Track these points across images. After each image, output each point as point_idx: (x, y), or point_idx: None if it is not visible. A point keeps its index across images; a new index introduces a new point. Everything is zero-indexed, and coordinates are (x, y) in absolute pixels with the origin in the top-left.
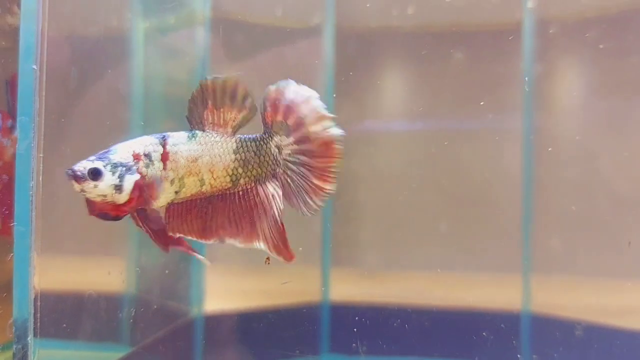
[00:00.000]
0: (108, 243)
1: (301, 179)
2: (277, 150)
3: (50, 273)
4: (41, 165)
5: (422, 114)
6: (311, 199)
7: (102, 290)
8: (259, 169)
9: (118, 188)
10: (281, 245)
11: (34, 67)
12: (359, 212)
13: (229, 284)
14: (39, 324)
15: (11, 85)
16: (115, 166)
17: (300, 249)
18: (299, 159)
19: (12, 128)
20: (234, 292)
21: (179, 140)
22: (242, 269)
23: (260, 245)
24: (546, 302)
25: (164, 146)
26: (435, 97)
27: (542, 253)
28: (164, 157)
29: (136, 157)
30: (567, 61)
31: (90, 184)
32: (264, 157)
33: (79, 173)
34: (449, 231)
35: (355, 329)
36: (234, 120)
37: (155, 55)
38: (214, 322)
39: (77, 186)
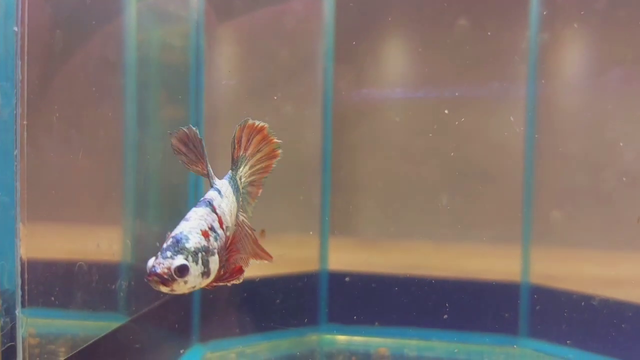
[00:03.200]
0: (102, 211)
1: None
2: (239, 182)
3: (39, 242)
4: (25, 133)
5: (424, 83)
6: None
7: (96, 260)
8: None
9: (206, 274)
10: (260, 252)
11: (15, 28)
12: (359, 182)
13: None
14: (26, 296)
15: None
16: (195, 254)
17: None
18: (251, 178)
19: None
20: None
21: (218, 201)
22: None
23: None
24: (545, 274)
25: (215, 212)
26: (437, 65)
27: (543, 225)
28: (220, 223)
29: (206, 235)
30: (574, 30)
31: (180, 283)
32: (238, 190)
33: (166, 277)
34: (449, 201)
35: (354, 299)
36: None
37: (148, 19)
38: (211, 291)
39: (165, 289)
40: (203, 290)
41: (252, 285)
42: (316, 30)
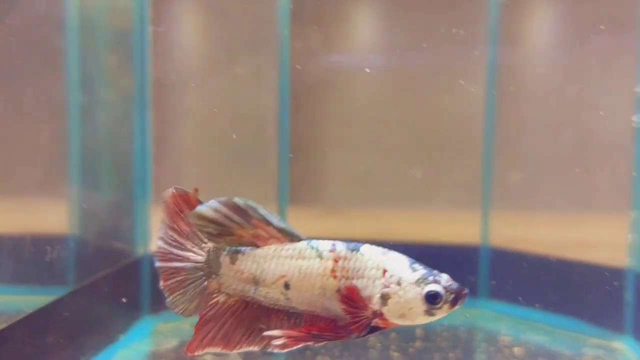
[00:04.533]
0: (42, 180)
1: None
2: None
3: None
4: None
5: (385, 49)
6: None
7: (40, 232)
8: None
9: None
10: None
11: None
12: (319, 149)
13: None
14: None
15: None
16: None
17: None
18: None
19: None
20: None
21: None
22: None
23: None
24: (505, 236)
25: None
26: (398, 32)
27: (503, 188)
28: None
29: None
30: None
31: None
32: None
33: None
34: (412, 168)
35: None
36: None
37: None
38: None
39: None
40: (153, 262)
41: None
42: None
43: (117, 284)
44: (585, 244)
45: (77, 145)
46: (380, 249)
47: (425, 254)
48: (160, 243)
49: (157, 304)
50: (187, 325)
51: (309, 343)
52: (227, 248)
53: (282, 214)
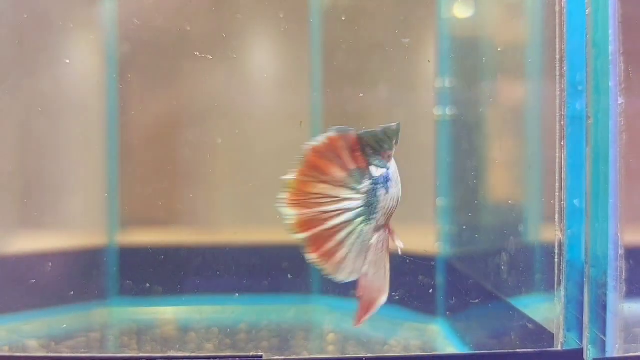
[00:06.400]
0: None
1: None
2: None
3: None
4: None
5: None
6: None
7: None
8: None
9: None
10: None
11: None
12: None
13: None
14: None
15: None
16: None
17: None
18: None
19: None
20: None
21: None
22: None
23: None
24: None
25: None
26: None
27: None
28: None
29: None
30: None
31: None
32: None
33: None
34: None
35: (147, 271)
36: None
37: None
38: None
39: None
40: None
41: (37, 259)
42: None
43: None
44: None
45: None
46: None
47: (255, 255)
48: (294, 211)
49: None
50: (2, 332)
51: None
52: (381, 180)
53: (113, 220)
